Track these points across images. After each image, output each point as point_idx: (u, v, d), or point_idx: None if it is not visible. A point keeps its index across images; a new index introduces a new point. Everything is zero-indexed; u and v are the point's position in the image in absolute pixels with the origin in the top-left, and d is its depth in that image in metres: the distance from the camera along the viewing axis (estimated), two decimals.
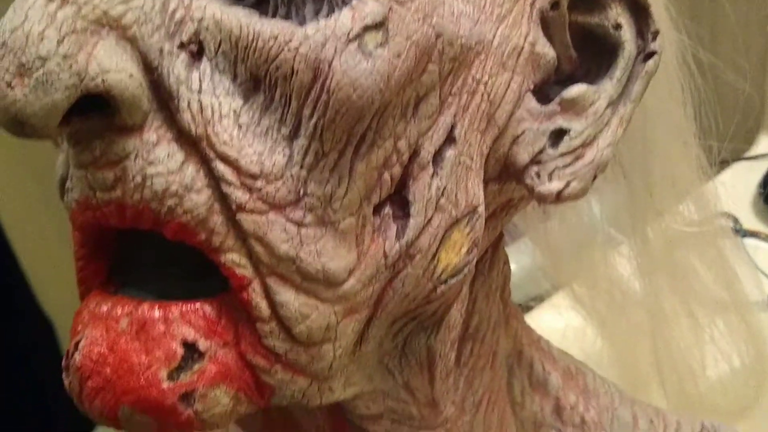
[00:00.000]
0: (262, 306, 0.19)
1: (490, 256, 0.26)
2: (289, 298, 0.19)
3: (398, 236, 0.20)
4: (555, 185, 0.22)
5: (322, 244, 0.19)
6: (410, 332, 0.23)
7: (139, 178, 0.18)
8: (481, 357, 0.26)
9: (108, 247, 0.21)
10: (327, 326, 0.19)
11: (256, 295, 0.19)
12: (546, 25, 0.22)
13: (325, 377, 0.20)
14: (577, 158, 0.22)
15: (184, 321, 0.19)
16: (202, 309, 0.19)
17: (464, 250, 0.21)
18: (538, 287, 0.51)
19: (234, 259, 0.19)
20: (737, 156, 0.42)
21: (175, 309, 0.19)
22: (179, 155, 0.18)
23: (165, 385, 0.19)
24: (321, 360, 0.20)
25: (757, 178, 0.60)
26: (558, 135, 0.22)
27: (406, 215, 0.20)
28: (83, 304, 0.20)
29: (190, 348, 0.19)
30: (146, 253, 0.21)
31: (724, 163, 0.45)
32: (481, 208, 0.22)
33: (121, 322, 0.19)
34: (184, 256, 0.20)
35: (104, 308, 0.19)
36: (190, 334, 0.19)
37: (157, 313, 0.19)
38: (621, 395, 0.30)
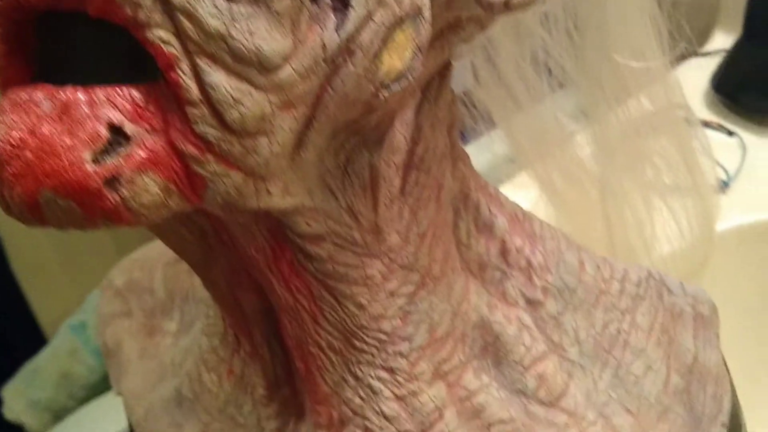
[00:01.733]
0: (192, 88, 0.18)
1: (437, 85, 0.25)
2: (219, 79, 0.18)
3: (338, 28, 0.19)
4: None
5: (256, 23, 0.18)
6: (353, 149, 0.23)
7: None
8: (426, 188, 0.25)
9: (30, 46, 0.20)
10: (261, 116, 0.19)
11: (185, 76, 0.18)
12: None
13: (261, 176, 0.20)
14: None
15: (110, 103, 0.18)
16: (130, 93, 0.18)
17: (408, 54, 0.21)
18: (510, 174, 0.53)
19: (161, 35, 0.18)
20: (691, 52, 0.43)
21: (101, 92, 0.18)
22: None
23: (89, 167, 0.18)
24: (256, 154, 0.19)
25: (709, 73, 0.61)
26: None
27: (346, 6, 0.19)
28: (2, 98, 0.19)
29: (116, 132, 0.18)
30: (71, 54, 0.20)
31: (679, 59, 0.45)
32: (427, 13, 0.21)
33: (43, 105, 0.18)
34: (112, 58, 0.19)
35: (24, 94, 0.18)
36: (117, 116, 0.18)
37: (81, 95, 0.18)
38: (568, 241, 0.30)
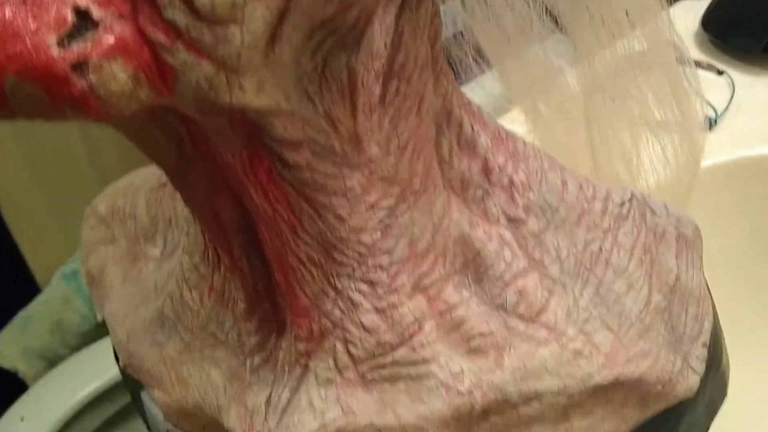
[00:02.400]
0: None
1: None
2: None
3: None
4: None
5: None
6: (330, 51, 0.22)
7: None
8: (407, 98, 0.25)
9: None
10: (232, 3, 0.18)
11: None
12: None
13: (233, 68, 0.19)
14: None
15: None
16: None
17: None
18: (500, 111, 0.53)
19: None
20: None
21: None
22: None
23: (54, 51, 0.17)
24: (227, 43, 0.19)
25: (700, 15, 0.61)
26: None
27: None
28: None
29: (82, 16, 0.18)
30: None
31: (671, 1, 0.45)
32: None
33: None
34: None
35: None
36: (83, 0, 0.18)
37: None
38: (551, 161, 0.29)
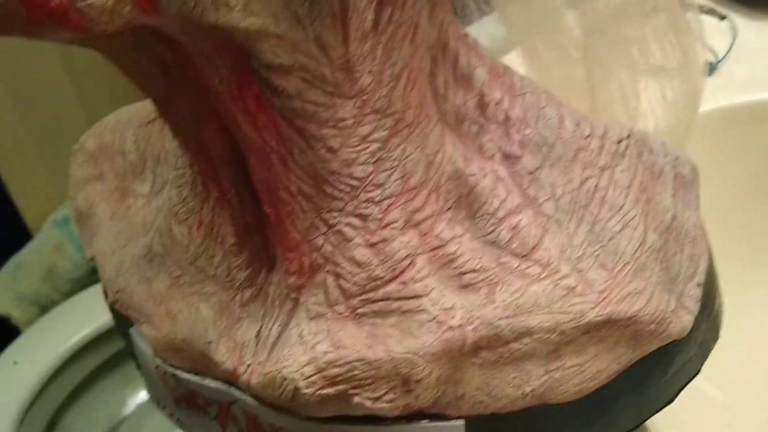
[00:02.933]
0: None
1: None
2: None
3: None
4: None
5: None
6: None
7: None
8: (401, 26, 0.24)
9: None
10: None
11: None
12: None
13: None
14: None
15: None
16: None
17: None
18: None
19: None
20: None
21: None
22: None
23: None
24: None
25: None
26: None
27: None
28: None
29: None
30: None
31: None
32: None
33: None
34: None
35: None
36: None
37: None
38: (548, 96, 0.29)
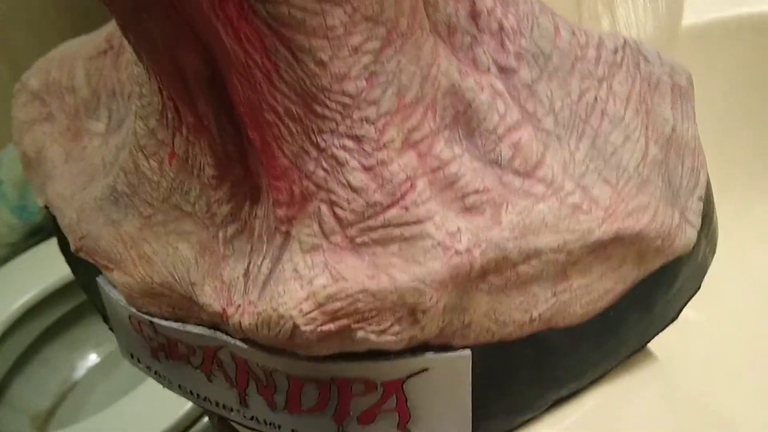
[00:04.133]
0: None
1: None
2: None
3: None
4: None
5: None
6: None
7: None
8: None
9: None
10: None
11: None
12: None
13: None
14: None
15: None
16: None
17: None
18: None
19: None
20: None
21: None
22: None
23: None
24: None
25: None
26: None
27: None
28: None
29: None
30: None
31: None
32: None
33: None
34: None
35: None
36: None
37: None
38: (541, 4, 0.27)
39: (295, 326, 0.23)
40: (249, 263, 0.25)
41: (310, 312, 0.23)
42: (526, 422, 0.28)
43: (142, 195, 0.27)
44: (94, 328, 0.89)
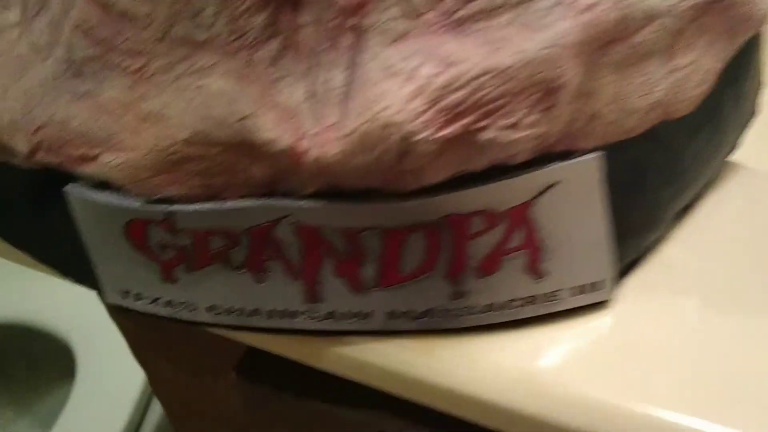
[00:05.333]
0: None
1: None
2: None
3: None
4: None
5: None
6: None
7: None
8: None
9: None
10: None
11: None
12: None
13: None
14: None
15: None
16: None
17: None
18: None
19: None
20: None
21: None
22: None
23: None
24: None
25: None
26: None
27: None
28: None
29: None
30: None
31: None
32: None
33: None
34: None
35: None
36: None
37: None
38: None
39: (407, 135, 0.17)
40: (312, 83, 0.18)
41: (423, 112, 0.17)
42: (654, 244, 0.23)
43: (123, 46, 0.19)
44: None
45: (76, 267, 0.23)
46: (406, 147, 0.17)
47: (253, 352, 0.27)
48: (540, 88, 0.18)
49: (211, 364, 0.31)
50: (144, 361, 0.35)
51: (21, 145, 0.21)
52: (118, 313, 0.29)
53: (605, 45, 0.19)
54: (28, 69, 0.22)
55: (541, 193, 0.20)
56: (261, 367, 0.27)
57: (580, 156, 0.20)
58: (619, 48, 0.20)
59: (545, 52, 0.18)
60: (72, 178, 0.21)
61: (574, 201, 0.20)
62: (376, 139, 0.17)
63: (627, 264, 0.22)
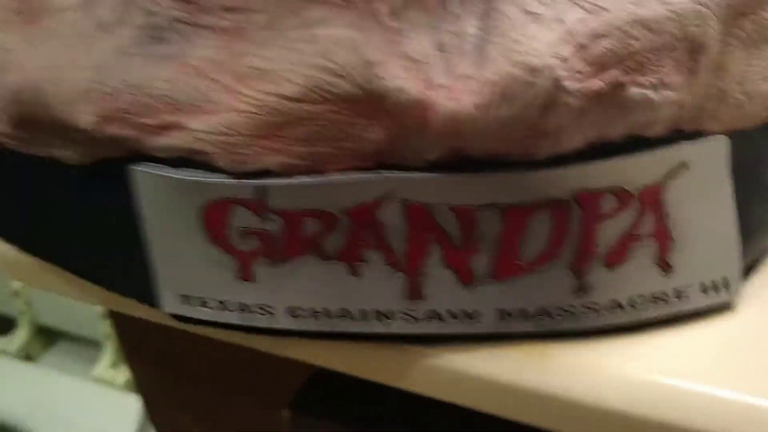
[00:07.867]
0: None
1: None
2: None
3: None
4: None
5: None
6: None
7: None
8: None
9: None
10: None
11: None
12: None
13: None
14: None
15: None
16: None
17: None
18: None
19: None
20: None
21: None
22: None
23: None
24: None
25: None
26: None
27: None
28: None
29: None
30: None
31: None
32: None
33: None
34: None
35: None
36: None
37: None
38: None
39: (557, 83, 0.15)
40: (439, 35, 0.17)
41: (572, 60, 0.16)
42: None
43: (217, 4, 0.18)
44: None
45: (125, 271, 0.21)
46: (554, 97, 0.16)
47: (314, 383, 0.24)
48: (684, 44, 0.17)
49: (260, 401, 0.27)
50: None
51: (86, 116, 0.19)
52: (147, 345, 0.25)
53: (740, 16, 0.18)
54: (95, 44, 0.20)
55: (672, 174, 0.18)
56: (319, 402, 0.24)
57: (708, 138, 0.18)
58: (748, 22, 0.18)
59: (696, 6, 0.17)
60: (139, 158, 0.19)
61: (703, 187, 0.18)
62: (520, 87, 0.16)
63: (747, 265, 0.20)
